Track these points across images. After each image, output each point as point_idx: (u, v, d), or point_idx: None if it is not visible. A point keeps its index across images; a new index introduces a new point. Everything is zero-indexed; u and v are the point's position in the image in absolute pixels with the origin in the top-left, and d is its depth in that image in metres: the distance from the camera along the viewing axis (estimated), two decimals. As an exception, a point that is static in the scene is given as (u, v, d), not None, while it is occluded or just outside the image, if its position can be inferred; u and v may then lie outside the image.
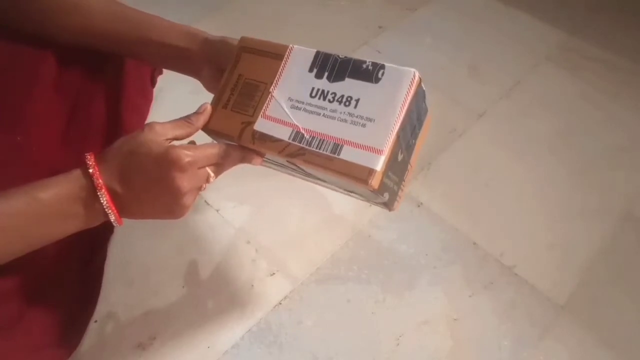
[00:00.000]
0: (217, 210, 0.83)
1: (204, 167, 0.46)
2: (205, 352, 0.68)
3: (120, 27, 0.53)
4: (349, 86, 0.46)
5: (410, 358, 0.70)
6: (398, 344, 0.71)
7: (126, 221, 0.46)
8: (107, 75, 0.60)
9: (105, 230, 0.64)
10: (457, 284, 0.77)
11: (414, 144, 0.49)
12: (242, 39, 0.52)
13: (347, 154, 0.45)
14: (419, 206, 0.87)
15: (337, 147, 0.45)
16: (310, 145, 0.46)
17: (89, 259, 0.60)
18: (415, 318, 0.73)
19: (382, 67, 0.45)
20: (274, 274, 0.77)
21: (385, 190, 0.46)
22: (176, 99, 0.92)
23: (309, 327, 0.72)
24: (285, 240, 0.80)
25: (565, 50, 1.16)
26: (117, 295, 0.71)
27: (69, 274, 0.55)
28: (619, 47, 1.17)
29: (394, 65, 0.45)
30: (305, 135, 0.46)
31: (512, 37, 1.19)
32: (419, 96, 0.45)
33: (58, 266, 0.52)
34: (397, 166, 0.47)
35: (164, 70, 0.73)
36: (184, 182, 0.44)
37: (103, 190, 0.42)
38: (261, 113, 0.48)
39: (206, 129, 0.50)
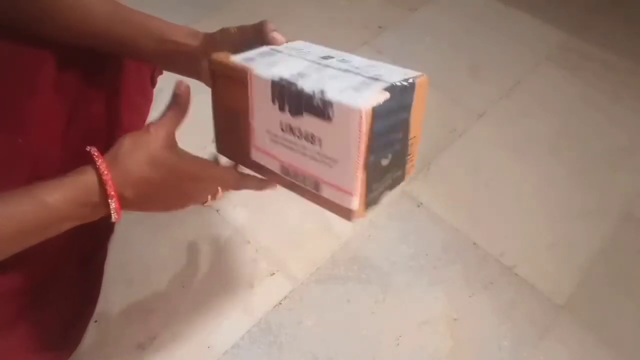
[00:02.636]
0: (217, 210, 0.83)
1: (217, 185, 0.48)
2: (205, 352, 0.68)
3: (119, 27, 0.53)
4: (308, 122, 0.43)
5: (410, 358, 0.70)
6: (398, 344, 0.71)
7: (127, 221, 0.46)
8: (107, 76, 0.60)
9: (105, 230, 0.64)
10: (457, 284, 0.77)
11: (405, 135, 0.46)
12: (211, 62, 0.49)
13: (326, 192, 0.45)
14: (419, 206, 0.87)
15: (316, 185, 0.45)
16: (297, 180, 0.46)
17: (89, 259, 0.60)
18: (415, 318, 0.73)
19: (331, 105, 0.40)
20: (274, 274, 0.77)
21: (380, 197, 0.46)
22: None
23: (309, 327, 0.72)
24: (285, 240, 0.80)
25: (565, 50, 1.16)
26: (117, 295, 0.71)
27: (69, 274, 0.55)
28: (619, 47, 1.17)
29: (342, 103, 0.40)
30: (289, 170, 0.46)
31: (512, 37, 1.19)
32: (381, 116, 0.41)
33: (58, 266, 0.52)
34: (385, 169, 0.45)
35: (164, 70, 0.73)
36: (195, 193, 0.47)
37: (115, 198, 0.42)
38: (251, 144, 0.48)
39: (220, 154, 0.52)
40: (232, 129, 0.50)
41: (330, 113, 0.40)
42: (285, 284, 0.75)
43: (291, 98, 0.42)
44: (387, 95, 0.40)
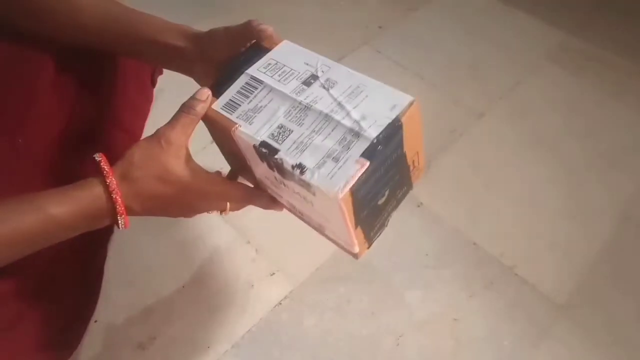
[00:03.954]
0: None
1: (226, 202, 0.49)
2: (205, 352, 0.68)
3: (112, 25, 0.52)
4: (296, 187, 0.42)
5: (410, 358, 0.70)
6: (398, 344, 0.71)
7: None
8: (107, 76, 0.60)
9: (105, 231, 0.64)
10: (457, 284, 0.77)
11: (402, 164, 0.45)
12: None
13: (330, 233, 0.47)
14: (419, 206, 0.87)
15: (320, 227, 0.47)
16: (303, 217, 0.49)
17: (89, 259, 0.60)
18: (415, 318, 0.73)
19: (310, 186, 0.39)
20: (274, 274, 0.77)
21: (385, 223, 0.48)
22: (176, 99, 0.91)
23: (309, 327, 0.72)
24: (285, 240, 0.80)
25: (565, 50, 1.16)
26: (117, 295, 0.71)
27: (69, 274, 0.55)
28: (619, 47, 1.17)
29: (320, 187, 0.38)
30: (295, 209, 0.48)
31: (512, 37, 1.19)
32: (365, 181, 0.39)
33: (58, 266, 0.52)
34: (383, 204, 0.45)
35: (164, 70, 0.73)
36: (203, 207, 0.48)
37: (124, 215, 0.42)
38: (256, 179, 0.49)
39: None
40: (236, 162, 0.51)
41: (312, 191, 0.40)
42: (285, 284, 0.75)
43: (275, 165, 0.41)
44: (366, 164, 0.38)
